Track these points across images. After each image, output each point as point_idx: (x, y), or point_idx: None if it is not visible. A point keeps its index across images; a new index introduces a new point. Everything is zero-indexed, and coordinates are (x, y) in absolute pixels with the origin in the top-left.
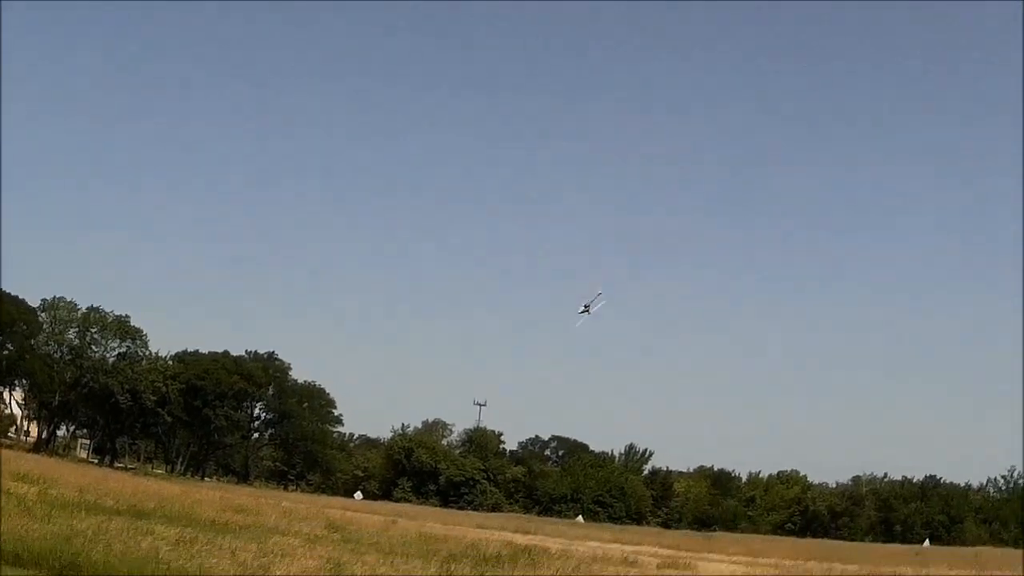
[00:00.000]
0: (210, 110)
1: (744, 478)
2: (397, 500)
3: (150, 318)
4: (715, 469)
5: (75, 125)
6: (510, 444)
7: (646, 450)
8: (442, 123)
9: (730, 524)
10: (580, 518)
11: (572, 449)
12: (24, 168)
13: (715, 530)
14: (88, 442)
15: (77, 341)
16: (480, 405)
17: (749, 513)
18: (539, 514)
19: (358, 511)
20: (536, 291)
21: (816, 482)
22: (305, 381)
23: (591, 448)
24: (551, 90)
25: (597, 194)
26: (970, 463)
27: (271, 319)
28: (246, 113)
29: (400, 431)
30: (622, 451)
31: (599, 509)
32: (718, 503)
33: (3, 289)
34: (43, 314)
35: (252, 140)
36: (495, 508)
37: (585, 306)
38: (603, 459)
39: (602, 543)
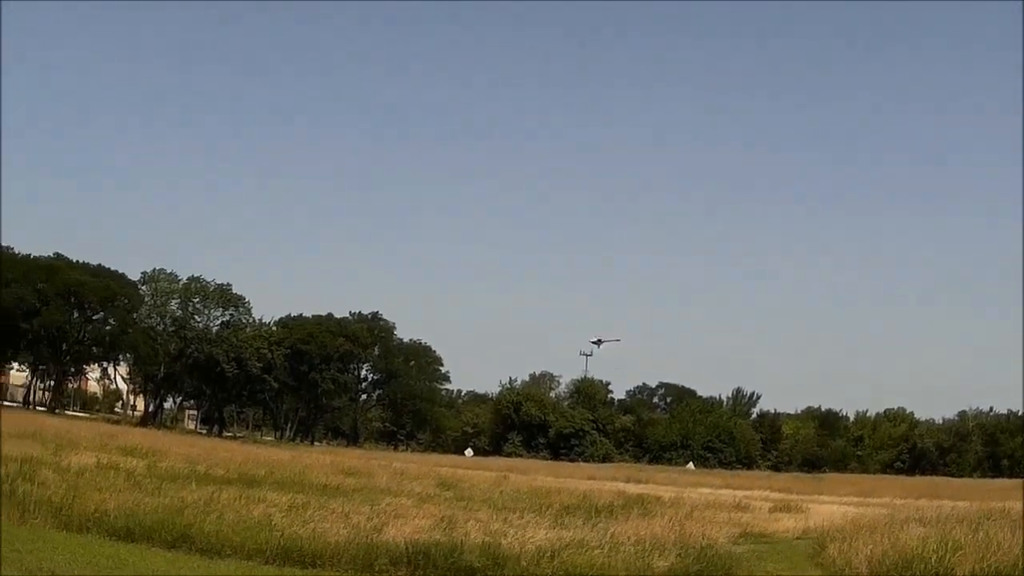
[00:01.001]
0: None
1: (851, 417)
2: (507, 455)
3: (252, 285)
4: (822, 409)
5: (149, 83)
6: (618, 393)
7: (753, 393)
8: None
9: (839, 464)
10: (691, 465)
11: (680, 395)
12: (106, 138)
13: (824, 471)
14: (195, 413)
15: (179, 312)
16: (586, 355)
17: (858, 453)
18: (649, 462)
19: (469, 468)
20: (637, 238)
21: (922, 419)
22: (411, 340)
23: (699, 393)
24: None
25: (688, 131)
26: None
27: (374, 279)
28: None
29: (508, 385)
30: (729, 395)
31: (709, 455)
32: (826, 444)
33: (103, 264)
34: (144, 287)
35: (334, 96)
36: (605, 458)
37: (599, 340)
38: (711, 404)
39: (713, 489)
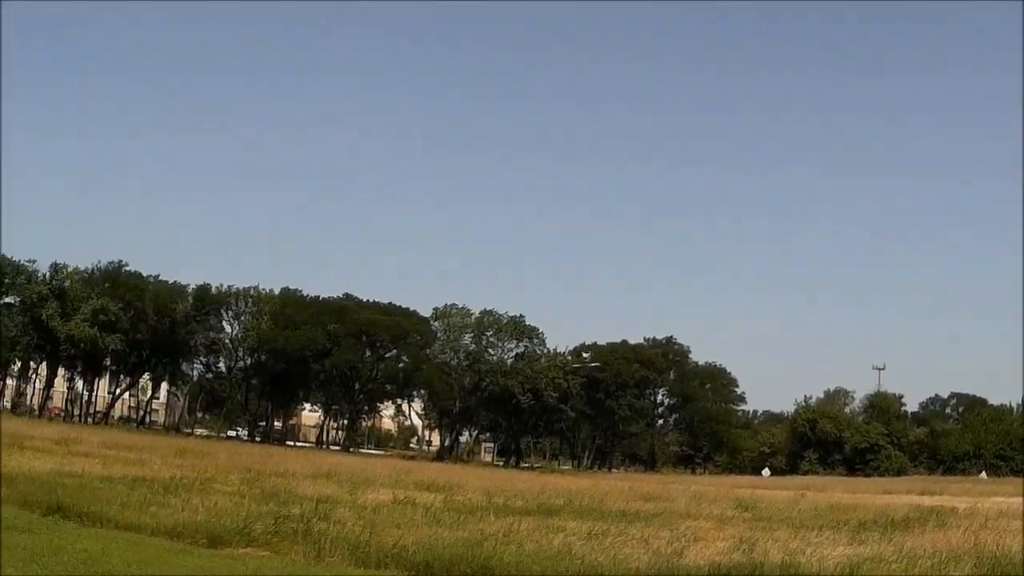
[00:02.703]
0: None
1: None
2: (804, 473)
3: (545, 315)
4: None
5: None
6: (911, 406)
7: None
8: None
9: None
10: (983, 474)
11: (971, 404)
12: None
13: None
14: (491, 445)
15: (473, 346)
16: (879, 369)
17: None
18: (943, 474)
19: (766, 488)
20: (919, 252)
21: None
22: (706, 362)
23: (990, 402)
24: None
25: None
26: None
27: (666, 304)
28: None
29: (803, 403)
30: (1019, 402)
31: (1001, 463)
32: None
33: (393, 303)
34: (436, 323)
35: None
36: (900, 472)
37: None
38: (1002, 412)
39: (1006, 497)
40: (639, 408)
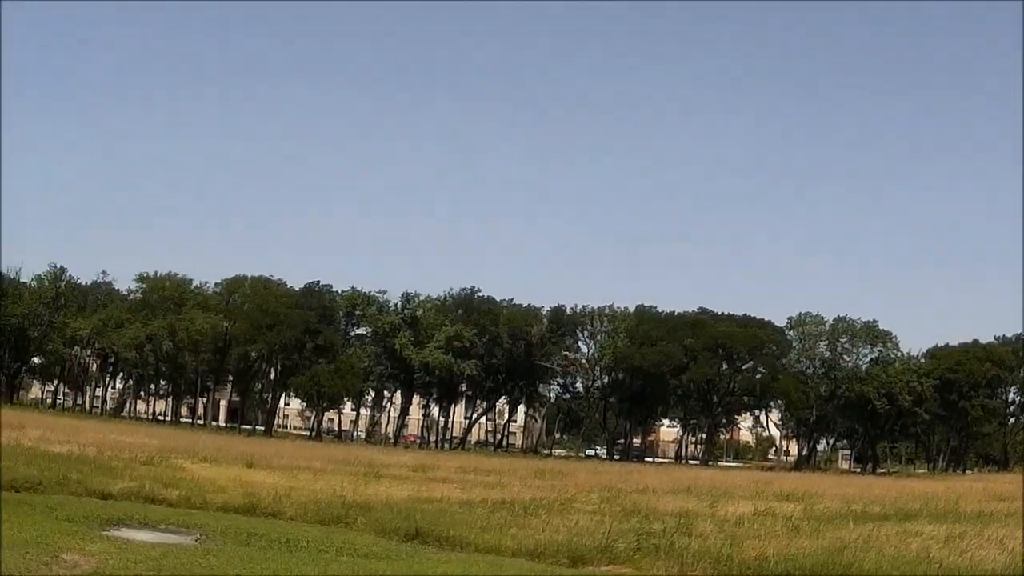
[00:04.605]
0: None
1: None
2: None
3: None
4: None
5: None
6: None
7: None
8: None
9: None
10: None
11: None
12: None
13: None
14: (848, 452)
15: (828, 353)
16: None
17: None
18: None
19: None
20: None
21: None
22: None
23: None
24: None
25: None
26: None
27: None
28: None
29: None
30: None
31: None
32: None
33: (748, 314)
34: (791, 332)
35: None
36: None
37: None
38: None
39: None
40: (991, 408)
